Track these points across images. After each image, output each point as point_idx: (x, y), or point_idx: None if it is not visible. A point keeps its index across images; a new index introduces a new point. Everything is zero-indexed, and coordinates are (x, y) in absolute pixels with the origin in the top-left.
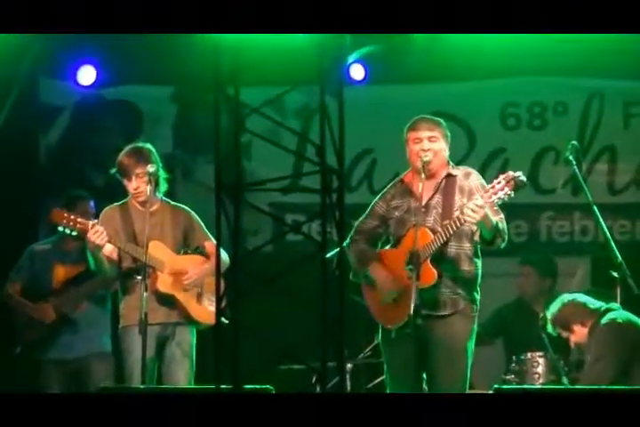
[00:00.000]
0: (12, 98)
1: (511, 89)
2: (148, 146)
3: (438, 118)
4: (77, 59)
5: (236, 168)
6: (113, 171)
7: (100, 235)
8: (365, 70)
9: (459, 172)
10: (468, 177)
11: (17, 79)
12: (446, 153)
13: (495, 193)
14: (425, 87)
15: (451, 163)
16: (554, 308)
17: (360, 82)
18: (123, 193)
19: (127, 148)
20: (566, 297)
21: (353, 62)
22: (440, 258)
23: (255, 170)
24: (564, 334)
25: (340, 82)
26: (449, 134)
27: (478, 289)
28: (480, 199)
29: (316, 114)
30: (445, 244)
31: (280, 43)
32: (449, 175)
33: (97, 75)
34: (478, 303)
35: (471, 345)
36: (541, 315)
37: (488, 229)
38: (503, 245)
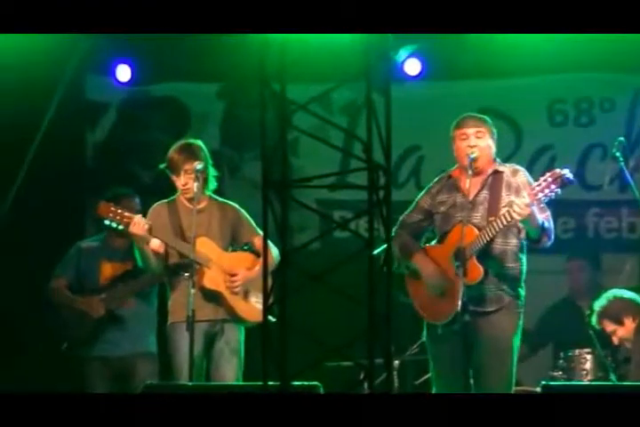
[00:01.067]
0: (59, 96)
1: (558, 86)
2: (199, 142)
3: (484, 116)
4: (124, 56)
5: (283, 165)
6: (162, 166)
7: (139, 225)
8: (422, 65)
9: (506, 169)
10: (516, 174)
11: (63, 77)
12: (493, 150)
13: (542, 190)
14: (472, 84)
15: (497, 160)
16: (602, 301)
17: (414, 77)
18: (170, 190)
19: (177, 143)
20: (615, 292)
21: (408, 57)
22: (486, 255)
23: (302, 167)
24: (610, 328)
25: (386, 78)
26: (495, 131)
27: (523, 285)
28: (527, 197)
29: (362, 110)
30: (492, 240)
31: (326, 39)
32: (496, 172)
33: (143, 72)
34: (524, 299)
35: (517, 341)
36: (587, 311)
37: (534, 228)
38: (550, 244)
